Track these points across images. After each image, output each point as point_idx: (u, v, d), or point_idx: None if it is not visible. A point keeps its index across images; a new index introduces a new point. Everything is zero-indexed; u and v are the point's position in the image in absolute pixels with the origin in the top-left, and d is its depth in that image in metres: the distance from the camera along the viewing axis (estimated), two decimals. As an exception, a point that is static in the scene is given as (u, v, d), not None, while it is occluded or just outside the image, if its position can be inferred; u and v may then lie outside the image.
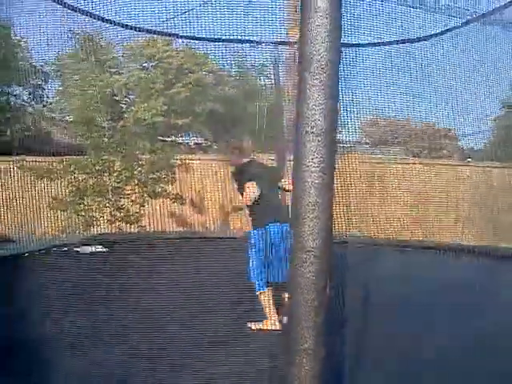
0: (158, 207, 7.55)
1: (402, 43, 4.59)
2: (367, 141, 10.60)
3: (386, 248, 5.20)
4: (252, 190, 3.48)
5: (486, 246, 6.04)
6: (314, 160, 1.37)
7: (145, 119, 9.85)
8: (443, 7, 4.74)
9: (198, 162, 8.22)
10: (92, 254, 5.06)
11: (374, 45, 4.58)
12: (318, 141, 1.36)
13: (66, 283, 3.42)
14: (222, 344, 2.63)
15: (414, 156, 10.40)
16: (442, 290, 3.57)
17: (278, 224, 3.42)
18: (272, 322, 3.31)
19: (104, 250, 5.18)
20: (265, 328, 3.30)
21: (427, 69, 4.90)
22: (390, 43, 4.66)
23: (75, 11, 4.64)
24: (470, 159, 8.97)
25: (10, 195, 6.69)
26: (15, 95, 11.29)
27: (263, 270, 3.43)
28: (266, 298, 3.39)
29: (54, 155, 7.08)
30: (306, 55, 1.37)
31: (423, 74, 4.97)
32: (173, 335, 2.76)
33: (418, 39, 4.59)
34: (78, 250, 5.40)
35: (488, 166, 8.07)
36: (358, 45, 4.03)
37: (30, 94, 11.67)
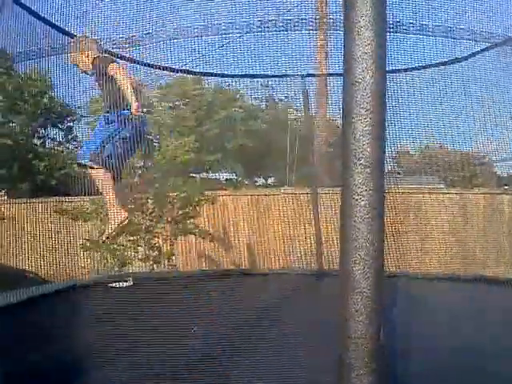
0: (187, 245, 7.51)
1: (438, 66, 4.52)
2: (400, 171, 10.43)
3: (429, 282, 4.98)
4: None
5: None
6: (362, 193, 1.28)
7: (176, 156, 9.97)
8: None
9: (229, 197, 8.19)
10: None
11: (407, 70, 4.52)
12: (367, 173, 1.27)
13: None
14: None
15: (449, 185, 10.13)
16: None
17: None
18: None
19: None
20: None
21: (460, 91, 4.82)
22: (424, 67, 4.60)
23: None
24: (507, 186, 8.68)
25: (47, 237, 6.78)
26: (50, 138, 11.64)
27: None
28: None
29: (87, 195, 7.18)
30: (351, 81, 1.30)
31: (457, 96, 4.88)
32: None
33: (455, 60, 4.50)
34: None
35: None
36: (394, 71, 3.96)
37: (63, 137, 12.01)
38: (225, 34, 4.97)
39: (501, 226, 7.43)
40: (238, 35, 5.01)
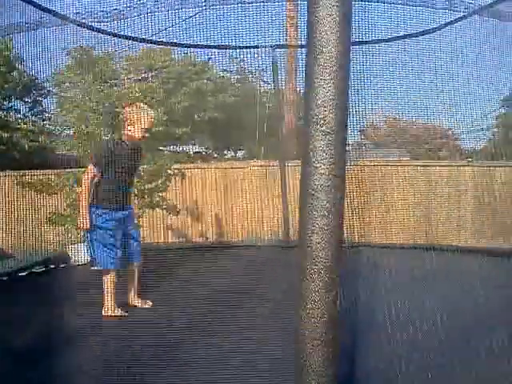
0: (155, 218, 7.43)
1: (403, 39, 4.48)
2: (368, 142, 10.50)
3: (394, 252, 5.05)
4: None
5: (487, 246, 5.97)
6: (323, 161, 1.24)
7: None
8: (445, 2, 4.64)
9: (197, 170, 8.10)
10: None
11: (375, 42, 4.47)
12: (328, 140, 1.24)
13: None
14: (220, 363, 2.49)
15: (414, 158, 10.28)
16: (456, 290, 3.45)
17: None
18: (110, 307, 3.34)
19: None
20: (108, 315, 3.30)
21: (426, 65, 4.80)
22: (390, 40, 4.56)
23: (72, 23, 4.62)
24: (470, 159, 8.84)
25: (10, 210, 6.61)
26: (15, 110, 11.29)
27: (110, 249, 3.41)
28: (110, 280, 3.39)
29: (53, 169, 7.02)
30: (315, 47, 1.25)
31: (421, 70, 4.87)
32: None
33: (421, 33, 4.47)
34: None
35: (489, 166, 7.95)
36: (361, 42, 3.90)
37: (29, 110, 11.68)
38: (198, 5, 4.88)
39: (464, 197, 7.60)
40: (210, 6, 4.91)
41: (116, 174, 3.45)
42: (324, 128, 1.24)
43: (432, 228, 7.43)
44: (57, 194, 6.66)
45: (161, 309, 3.40)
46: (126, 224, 3.55)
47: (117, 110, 9.06)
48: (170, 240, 7.58)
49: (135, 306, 3.54)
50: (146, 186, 6.81)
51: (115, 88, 11.63)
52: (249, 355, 2.44)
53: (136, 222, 4.27)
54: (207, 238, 7.67)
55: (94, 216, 3.39)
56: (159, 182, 6.89)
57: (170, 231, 7.67)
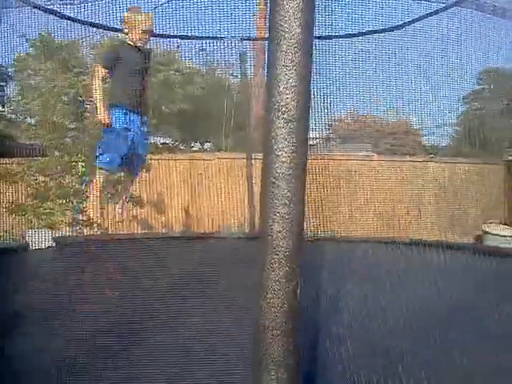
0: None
1: (369, 34, 4.51)
2: (334, 137, 10.61)
3: (356, 245, 5.12)
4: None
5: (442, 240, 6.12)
6: (284, 149, 1.23)
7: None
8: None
9: (164, 161, 8.02)
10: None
11: (343, 37, 4.49)
12: (290, 128, 1.22)
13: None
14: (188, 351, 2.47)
15: (379, 153, 10.45)
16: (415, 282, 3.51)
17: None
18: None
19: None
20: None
21: (392, 60, 4.84)
22: (356, 35, 4.58)
23: (35, 8, 4.49)
24: (432, 155, 9.07)
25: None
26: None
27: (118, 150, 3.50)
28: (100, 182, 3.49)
29: (14, 157, 6.85)
30: (278, 32, 1.23)
31: (387, 66, 4.92)
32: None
33: (389, 29, 4.50)
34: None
35: (451, 162, 8.18)
36: (328, 37, 3.92)
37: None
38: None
39: (426, 192, 7.79)
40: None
41: (125, 75, 3.52)
42: (286, 116, 1.23)
43: (396, 222, 7.58)
44: (17, 183, 6.51)
45: (121, 298, 3.34)
46: (137, 131, 3.61)
47: (80, 98, 8.86)
48: (135, 231, 7.50)
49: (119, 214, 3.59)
50: (110, 178, 6.71)
51: (81, 77, 11.36)
52: (209, 344, 2.43)
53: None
54: (173, 229, 7.61)
55: (109, 115, 3.47)
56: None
57: (135, 222, 7.58)
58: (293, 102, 1.22)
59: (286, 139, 1.23)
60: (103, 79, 3.67)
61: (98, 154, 3.75)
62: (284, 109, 1.23)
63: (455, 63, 4.82)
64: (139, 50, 3.72)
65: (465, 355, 2.18)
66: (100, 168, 3.76)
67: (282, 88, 1.23)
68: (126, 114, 3.61)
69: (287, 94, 1.22)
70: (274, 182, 1.24)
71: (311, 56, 1.29)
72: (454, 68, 4.87)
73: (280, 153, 1.23)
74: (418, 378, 2.00)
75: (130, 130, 3.62)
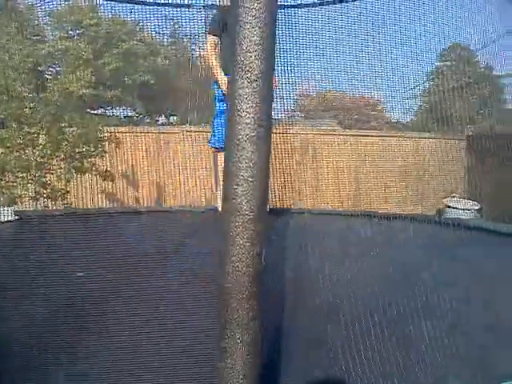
0: (86, 183, 7.18)
1: (333, 4, 4.45)
2: (299, 111, 10.61)
3: (320, 217, 5.16)
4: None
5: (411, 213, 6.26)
6: (248, 110, 1.20)
7: (72, 91, 9.29)
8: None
9: (128, 135, 7.85)
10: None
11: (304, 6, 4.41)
12: (254, 87, 1.19)
13: None
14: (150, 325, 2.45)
15: (345, 128, 10.52)
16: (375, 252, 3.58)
17: None
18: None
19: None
20: None
21: (354, 33, 4.81)
22: (318, 4, 4.51)
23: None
24: (397, 130, 9.20)
25: None
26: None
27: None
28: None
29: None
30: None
31: (349, 38, 4.88)
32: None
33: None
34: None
35: (415, 137, 8.31)
36: (291, 6, 3.85)
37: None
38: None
39: (390, 166, 7.92)
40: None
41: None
42: (249, 75, 1.19)
43: (361, 195, 7.69)
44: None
45: (87, 274, 3.28)
46: None
47: (39, 67, 8.54)
48: (101, 205, 7.38)
49: None
50: (76, 150, 6.56)
51: (39, 45, 10.94)
52: (172, 313, 2.42)
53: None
54: (139, 203, 7.52)
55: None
56: (90, 146, 6.66)
57: (102, 196, 7.45)
58: (257, 61, 1.19)
59: (250, 100, 1.20)
60: (215, 46, 3.71)
61: (214, 134, 3.90)
62: (248, 68, 1.19)
63: (419, 39, 4.84)
64: None
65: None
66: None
67: (245, 46, 1.19)
68: None
69: (251, 53, 1.19)
70: (238, 144, 1.21)
71: (275, 15, 1.26)
72: (417, 43, 4.88)
73: (244, 113, 1.20)
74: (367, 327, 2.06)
75: None
